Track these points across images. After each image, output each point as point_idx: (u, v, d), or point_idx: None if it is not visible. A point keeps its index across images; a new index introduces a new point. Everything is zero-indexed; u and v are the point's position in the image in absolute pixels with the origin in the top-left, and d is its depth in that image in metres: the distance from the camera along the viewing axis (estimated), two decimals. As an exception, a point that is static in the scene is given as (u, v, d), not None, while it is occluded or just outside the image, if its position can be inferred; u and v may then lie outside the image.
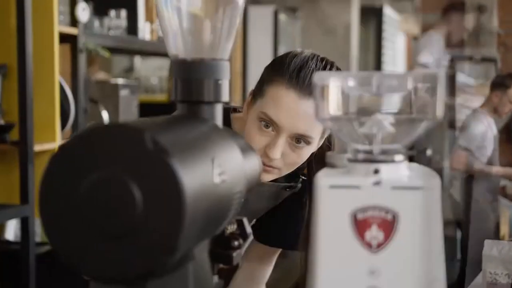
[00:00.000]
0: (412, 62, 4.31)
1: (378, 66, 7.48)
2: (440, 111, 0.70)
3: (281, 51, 5.98)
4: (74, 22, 2.66)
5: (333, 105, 0.72)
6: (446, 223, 4.14)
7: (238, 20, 0.84)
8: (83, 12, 2.63)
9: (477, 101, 4.64)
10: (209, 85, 0.81)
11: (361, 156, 0.71)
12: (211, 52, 0.82)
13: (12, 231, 2.67)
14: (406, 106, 0.72)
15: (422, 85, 0.69)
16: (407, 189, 0.68)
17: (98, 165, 0.62)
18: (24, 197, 2.32)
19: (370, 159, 0.70)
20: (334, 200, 0.69)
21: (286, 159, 1.28)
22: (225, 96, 0.82)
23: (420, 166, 0.75)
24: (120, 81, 3.06)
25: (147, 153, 0.61)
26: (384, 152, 0.71)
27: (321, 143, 1.35)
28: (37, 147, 2.41)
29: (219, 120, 0.82)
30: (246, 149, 0.86)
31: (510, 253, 1.83)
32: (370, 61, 7.49)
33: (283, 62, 1.29)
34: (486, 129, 4.16)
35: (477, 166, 4.13)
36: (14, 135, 2.39)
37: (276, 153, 1.25)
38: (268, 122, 1.26)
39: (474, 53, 6.60)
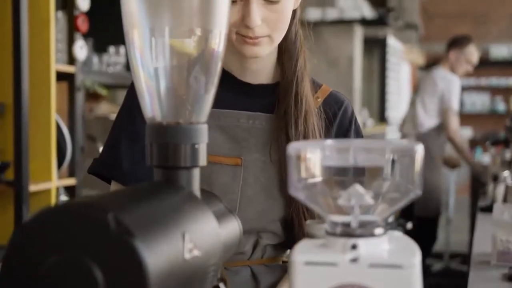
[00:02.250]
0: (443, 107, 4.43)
1: (382, 96, 7.47)
2: (419, 184, 0.67)
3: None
4: (72, 60, 2.65)
5: (308, 175, 0.70)
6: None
7: (216, 82, 0.82)
8: (81, 50, 2.63)
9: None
10: (186, 149, 0.78)
11: (338, 229, 0.68)
12: (188, 115, 0.80)
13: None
14: (385, 177, 0.69)
15: (400, 157, 0.67)
16: (386, 267, 0.65)
17: (59, 246, 0.59)
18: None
19: (348, 233, 0.68)
20: (310, 277, 0.66)
21: (269, 22, 1.16)
22: (202, 161, 0.80)
23: (402, 236, 0.72)
24: (120, 117, 3.03)
25: (110, 235, 0.59)
26: (362, 225, 0.68)
27: None
28: (33, 187, 2.39)
29: (196, 185, 0.79)
30: (224, 214, 0.84)
31: None
32: (375, 91, 7.48)
33: None
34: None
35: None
36: (9, 174, 2.37)
37: (254, 20, 1.13)
38: None
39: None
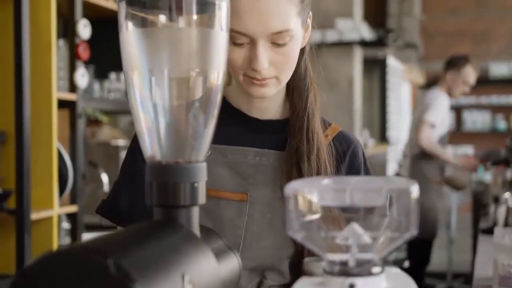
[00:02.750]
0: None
1: (383, 116, 7.49)
2: (415, 224, 0.68)
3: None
4: (73, 87, 2.67)
5: (306, 214, 0.71)
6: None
7: (214, 121, 0.83)
8: (82, 78, 2.65)
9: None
10: (185, 188, 0.79)
11: (336, 268, 0.69)
12: (187, 154, 0.81)
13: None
14: (382, 217, 0.70)
15: (396, 198, 0.68)
16: (383, 306, 0.66)
17: (60, 291, 0.60)
18: (20, 268, 2.29)
19: (345, 272, 0.68)
20: (308, 317, 0.67)
21: (276, 64, 1.14)
22: (201, 199, 0.81)
23: (400, 273, 0.73)
24: (121, 142, 3.06)
25: (110, 279, 0.59)
26: (360, 263, 0.69)
27: (307, 35, 1.23)
28: (34, 215, 2.39)
29: (195, 223, 0.80)
30: (223, 251, 0.84)
31: None
32: (375, 111, 7.50)
33: None
34: (447, 107, 4.40)
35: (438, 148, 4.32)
36: (11, 202, 2.38)
37: (262, 63, 1.11)
38: (237, 37, 1.11)
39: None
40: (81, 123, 2.66)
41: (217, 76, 0.81)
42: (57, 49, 2.59)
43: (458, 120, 10.36)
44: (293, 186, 0.70)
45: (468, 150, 10.24)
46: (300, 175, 1.16)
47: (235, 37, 1.12)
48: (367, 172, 1.28)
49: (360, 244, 0.69)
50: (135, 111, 0.81)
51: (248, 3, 1.09)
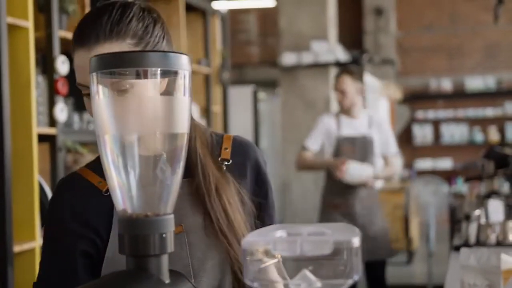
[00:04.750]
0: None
1: (361, 132, 7.59)
2: (359, 270, 0.77)
3: (262, 127, 6.13)
4: (52, 122, 2.74)
5: (261, 264, 0.79)
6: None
7: (180, 175, 0.91)
8: (61, 112, 2.72)
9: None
10: (155, 239, 0.87)
11: (290, 312, 0.77)
12: (156, 207, 0.89)
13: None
14: (328, 264, 0.78)
15: (343, 248, 0.76)
16: None
17: None
18: (4, 300, 2.35)
19: (298, 315, 0.76)
20: None
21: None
22: (170, 247, 0.88)
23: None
24: (101, 171, 3.11)
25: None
26: (311, 307, 0.77)
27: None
28: (17, 248, 2.45)
29: (165, 270, 0.88)
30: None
31: (490, 261, 1.72)
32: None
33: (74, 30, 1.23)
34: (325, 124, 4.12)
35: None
36: (-7, 236, 2.44)
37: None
38: (84, 89, 1.19)
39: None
40: (61, 156, 2.73)
41: (182, 136, 0.89)
42: (36, 85, 2.66)
43: (436, 133, 10.52)
44: (249, 240, 0.78)
45: (446, 162, 10.40)
46: (207, 208, 1.24)
47: (83, 89, 1.20)
48: (262, 179, 1.34)
49: (310, 289, 0.77)
50: (107, 169, 0.89)
51: (82, 56, 1.18)
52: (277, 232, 0.80)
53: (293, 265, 0.79)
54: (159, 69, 0.87)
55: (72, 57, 1.25)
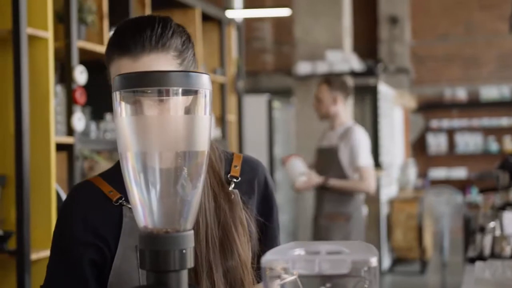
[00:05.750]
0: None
1: (375, 141, 7.60)
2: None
3: (276, 136, 6.15)
4: (70, 131, 2.77)
5: (281, 281, 0.80)
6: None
7: (200, 192, 0.93)
8: (79, 121, 2.75)
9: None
10: (175, 255, 0.89)
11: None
12: (176, 223, 0.91)
13: None
14: (348, 283, 0.80)
15: (361, 267, 0.77)
16: None
17: None
18: (21, 307, 2.38)
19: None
20: None
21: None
22: (190, 263, 0.90)
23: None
24: (117, 179, 3.14)
25: None
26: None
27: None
28: (34, 256, 2.48)
29: (184, 285, 0.90)
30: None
31: (505, 274, 1.74)
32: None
33: (110, 38, 1.24)
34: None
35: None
36: (11, 244, 2.47)
37: None
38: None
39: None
40: (78, 165, 2.76)
41: (202, 154, 0.91)
42: (55, 94, 2.69)
43: (451, 143, 10.48)
44: (268, 258, 0.80)
45: (461, 172, 10.36)
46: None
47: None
48: (268, 198, 1.36)
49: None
50: (129, 185, 0.91)
51: (127, 65, 1.19)
52: (295, 250, 0.82)
53: (311, 282, 0.80)
54: (180, 88, 0.89)
55: (106, 65, 1.25)
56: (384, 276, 6.49)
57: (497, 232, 3.00)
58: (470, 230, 4.59)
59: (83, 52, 2.89)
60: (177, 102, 0.88)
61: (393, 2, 9.81)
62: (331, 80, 4.09)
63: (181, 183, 0.92)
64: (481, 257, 2.75)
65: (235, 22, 4.86)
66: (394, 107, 8.62)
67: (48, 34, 2.63)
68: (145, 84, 0.89)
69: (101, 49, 3.02)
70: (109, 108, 3.19)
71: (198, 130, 0.90)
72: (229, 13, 4.76)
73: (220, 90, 4.58)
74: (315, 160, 4.12)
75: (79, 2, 2.89)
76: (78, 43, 2.87)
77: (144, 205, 0.90)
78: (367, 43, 9.81)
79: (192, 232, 0.91)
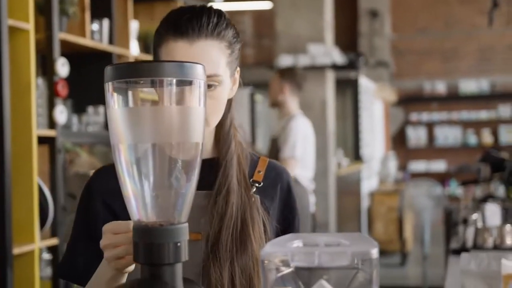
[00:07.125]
0: None
1: (356, 134, 7.62)
2: (378, 281, 0.77)
3: (258, 129, 6.14)
4: (52, 124, 2.74)
5: (279, 273, 0.79)
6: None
7: (195, 185, 0.91)
8: (61, 114, 2.72)
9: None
10: (169, 248, 0.87)
11: (306, 322, 0.78)
12: (170, 216, 0.89)
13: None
14: (347, 275, 0.79)
15: (360, 261, 0.76)
16: None
17: None
18: (3, 302, 2.34)
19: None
20: None
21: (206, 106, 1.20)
22: (184, 256, 0.89)
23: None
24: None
25: None
26: (327, 317, 0.78)
27: (235, 87, 1.30)
28: (16, 250, 2.45)
29: (179, 278, 0.88)
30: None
31: (490, 266, 1.73)
32: (349, 130, 7.63)
33: (164, 20, 1.24)
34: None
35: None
36: (-7, 238, 2.43)
37: None
38: None
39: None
40: (60, 158, 2.72)
41: (196, 145, 0.90)
42: (36, 87, 2.65)
43: (430, 136, 10.55)
44: (267, 250, 0.78)
45: (440, 165, 10.43)
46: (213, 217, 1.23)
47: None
48: (291, 206, 1.35)
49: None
50: (122, 178, 0.90)
51: (182, 48, 1.18)
52: (294, 242, 0.80)
53: (310, 274, 0.79)
54: (174, 79, 0.87)
55: (155, 47, 1.24)
56: (365, 268, 6.49)
57: (479, 224, 3.02)
58: (451, 222, 4.61)
59: (64, 44, 2.85)
60: (171, 92, 0.86)
61: (373, -4, 9.83)
62: (284, 70, 4.25)
63: (175, 175, 0.90)
64: (464, 249, 2.76)
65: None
66: (375, 100, 8.65)
67: (29, 25, 2.59)
68: (138, 74, 0.88)
69: (83, 41, 2.98)
70: (91, 101, 3.16)
71: (193, 122, 0.89)
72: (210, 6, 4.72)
73: (202, 83, 4.53)
74: (268, 150, 4.21)
75: (61, -7, 2.85)
76: (59, 35, 2.83)
77: (137, 198, 0.89)
78: (347, 36, 9.82)
79: (186, 225, 0.90)
